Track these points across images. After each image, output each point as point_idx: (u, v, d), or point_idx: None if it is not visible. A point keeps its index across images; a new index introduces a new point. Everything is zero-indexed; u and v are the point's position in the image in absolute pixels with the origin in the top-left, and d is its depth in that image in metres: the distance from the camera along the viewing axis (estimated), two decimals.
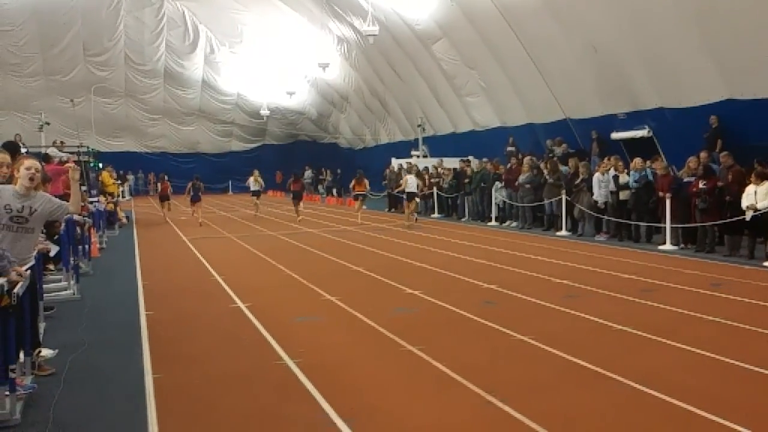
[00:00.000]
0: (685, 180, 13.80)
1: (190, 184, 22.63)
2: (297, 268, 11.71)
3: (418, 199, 21.42)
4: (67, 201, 6.92)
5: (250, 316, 8.14)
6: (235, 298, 9.25)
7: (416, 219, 21.06)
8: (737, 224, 12.27)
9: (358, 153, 42.62)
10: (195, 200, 22.25)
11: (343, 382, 5.62)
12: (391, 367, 6.06)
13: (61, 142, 22.60)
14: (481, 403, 5.05)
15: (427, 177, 24.39)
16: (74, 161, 14.37)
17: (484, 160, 21.53)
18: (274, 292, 9.88)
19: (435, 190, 23.50)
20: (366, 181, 22.33)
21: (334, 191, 37.13)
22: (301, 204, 22.93)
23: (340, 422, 4.71)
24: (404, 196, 20.62)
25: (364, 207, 22.90)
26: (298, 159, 42.87)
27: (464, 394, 5.26)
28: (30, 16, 34.02)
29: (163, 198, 23.87)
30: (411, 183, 20.43)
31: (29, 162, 5.92)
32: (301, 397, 5.25)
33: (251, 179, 24.61)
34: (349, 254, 13.70)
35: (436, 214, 23.50)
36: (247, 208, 24.54)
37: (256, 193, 24.67)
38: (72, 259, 9.88)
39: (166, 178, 24.46)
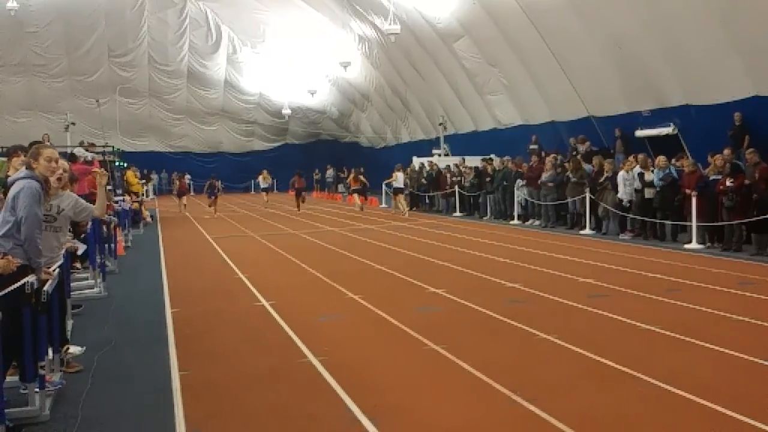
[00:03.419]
0: (712, 178, 13.62)
1: (208, 183, 26.58)
2: (320, 267, 11.75)
3: (403, 195, 24.47)
4: (92, 201, 7.05)
5: (274, 314, 8.18)
6: (259, 296, 9.31)
7: (405, 212, 23.33)
8: (765, 222, 12.08)
9: (379, 152, 42.56)
10: (211, 196, 25.98)
11: (367, 381, 5.63)
12: (416, 365, 6.06)
13: (90, 144, 22.88)
14: (506, 402, 5.03)
15: (448, 176, 24.46)
16: (99, 163, 14.56)
17: (506, 158, 21.43)
18: (297, 290, 9.91)
19: (457, 188, 23.43)
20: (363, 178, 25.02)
21: None
22: (302, 198, 26.86)
23: (364, 420, 4.72)
24: (391, 191, 24.06)
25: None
26: (319, 158, 43.01)
27: (489, 393, 5.24)
28: (55, 17, 34.56)
29: (181, 194, 27.17)
30: (399, 179, 23.75)
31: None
32: (325, 395, 5.28)
33: (260, 178, 28.18)
34: (372, 253, 13.71)
35: (458, 213, 23.40)
36: (264, 206, 27.27)
37: (266, 190, 28.23)
38: (98, 257, 10.02)
39: (186, 177, 27.18)
